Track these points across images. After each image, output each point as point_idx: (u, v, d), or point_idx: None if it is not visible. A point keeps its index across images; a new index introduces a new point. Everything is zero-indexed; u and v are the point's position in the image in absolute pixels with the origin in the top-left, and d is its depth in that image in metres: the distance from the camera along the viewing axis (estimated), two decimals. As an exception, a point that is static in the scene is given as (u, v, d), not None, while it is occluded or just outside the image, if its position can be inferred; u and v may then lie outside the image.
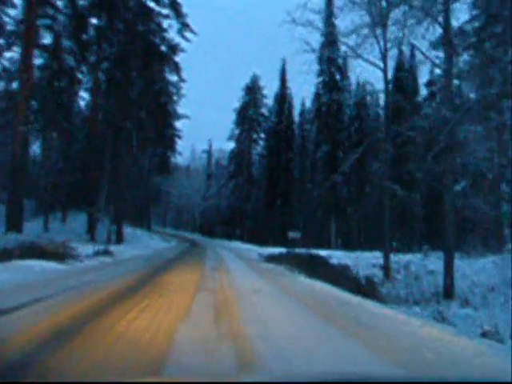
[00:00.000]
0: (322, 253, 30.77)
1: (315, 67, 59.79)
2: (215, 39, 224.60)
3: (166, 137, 49.23)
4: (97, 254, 24.04)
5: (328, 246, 52.97)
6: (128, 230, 49.97)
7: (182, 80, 44.27)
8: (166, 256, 29.51)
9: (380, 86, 66.48)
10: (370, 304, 12.04)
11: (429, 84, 52.04)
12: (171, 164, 69.53)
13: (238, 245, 54.32)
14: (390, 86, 63.67)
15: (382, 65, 26.59)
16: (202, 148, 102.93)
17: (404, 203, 40.03)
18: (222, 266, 21.73)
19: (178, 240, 62.23)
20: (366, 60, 26.20)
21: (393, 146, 30.23)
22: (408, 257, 32.51)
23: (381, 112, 67.35)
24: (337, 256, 30.34)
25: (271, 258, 28.39)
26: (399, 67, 61.23)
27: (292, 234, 52.03)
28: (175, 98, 58.43)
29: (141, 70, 40.00)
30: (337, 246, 54.65)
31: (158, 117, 41.70)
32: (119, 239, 41.27)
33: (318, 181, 59.42)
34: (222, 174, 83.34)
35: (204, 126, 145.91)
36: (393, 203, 32.34)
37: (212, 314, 8.67)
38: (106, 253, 24.93)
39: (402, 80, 61.41)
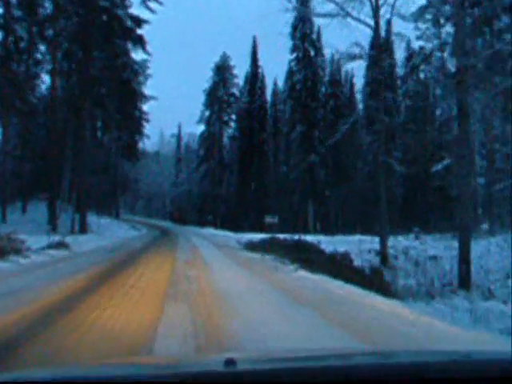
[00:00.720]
0: (309, 238, 27.27)
1: (288, 43, 56.43)
2: (182, 23, 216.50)
3: (132, 117, 45.19)
4: (50, 246, 20.16)
5: (306, 231, 49.60)
6: (94, 219, 46.22)
7: (147, 53, 40.27)
8: (133, 246, 25.81)
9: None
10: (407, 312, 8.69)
11: (409, 58, 48.59)
12: (139, 149, 65.51)
13: (211, 231, 50.70)
14: (367, 63, 60.49)
15: (372, 23, 23.19)
16: (171, 132, 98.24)
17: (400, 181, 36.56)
18: (198, 258, 18.10)
19: (148, 228, 58.36)
20: (356, 18, 22.69)
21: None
22: (403, 241, 29.16)
23: (359, 86, 64.30)
24: (325, 241, 26.84)
25: (253, 246, 24.81)
26: (375, 43, 58.15)
27: (269, 219, 48.91)
28: (141, 78, 54.55)
29: (102, 44, 35.96)
30: (315, 230, 51.22)
31: (121, 94, 37.57)
32: (83, 229, 37.41)
33: (293, 163, 55.94)
34: (193, 159, 79.32)
35: (173, 110, 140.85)
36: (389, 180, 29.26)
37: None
38: (61, 245, 21.07)
39: (379, 56, 58.29)
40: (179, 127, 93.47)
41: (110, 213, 60.46)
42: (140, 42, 38.25)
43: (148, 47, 39.95)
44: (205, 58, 76.91)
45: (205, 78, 66.98)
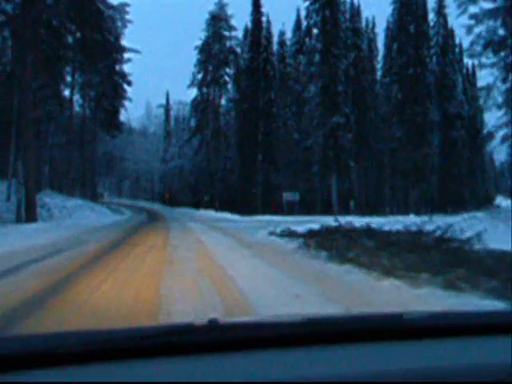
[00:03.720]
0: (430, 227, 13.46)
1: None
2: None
3: (101, 49, 31.42)
4: None
5: (328, 211, 36.47)
6: (58, 201, 33.06)
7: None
8: (86, 250, 12.62)
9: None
10: None
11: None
12: (120, 119, 51.99)
13: (211, 215, 37.62)
14: (396, 6, 47.40)
15: None
16: (158, 103, 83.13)
17: None
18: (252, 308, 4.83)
19: (132, 211, 45.29)
20: None
21: None
22: None
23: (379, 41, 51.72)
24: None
25: (325, 247, 11.33)
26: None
27: (288, 196, 36.27)
28: (119, 24, 41.54)
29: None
30: (350, 211, 37.76)
31: (80, 13, 23.86)
32: (30, 215, 24.13)
33: (311, 127, 42.46)
34: (183, 131, 65.51)
35: (161, 77, 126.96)
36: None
37: None
38: None
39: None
40: (167, 95, 78.56)
41: (85, 194, 47.01)
42: None
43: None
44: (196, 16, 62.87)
45: (197, 36, 52.83)
